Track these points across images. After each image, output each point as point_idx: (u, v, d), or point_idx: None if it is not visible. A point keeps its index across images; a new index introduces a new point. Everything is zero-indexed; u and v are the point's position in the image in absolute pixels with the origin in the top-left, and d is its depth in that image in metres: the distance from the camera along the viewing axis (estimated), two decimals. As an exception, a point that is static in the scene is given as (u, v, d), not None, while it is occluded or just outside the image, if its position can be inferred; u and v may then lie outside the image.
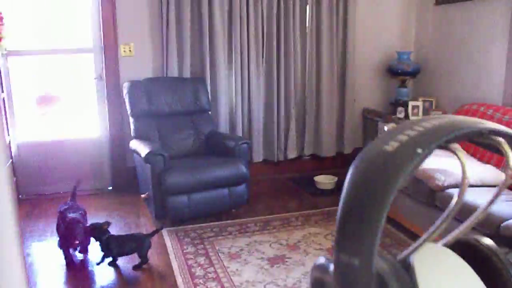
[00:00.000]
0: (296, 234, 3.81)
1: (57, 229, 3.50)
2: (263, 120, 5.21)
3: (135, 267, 3.33)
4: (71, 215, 3.38)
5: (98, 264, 3.39)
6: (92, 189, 4.96)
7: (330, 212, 4.26)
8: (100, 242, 3.38)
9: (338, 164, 5.48)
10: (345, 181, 0.79)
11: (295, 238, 3.74)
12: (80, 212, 3.50)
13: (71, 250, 3.47)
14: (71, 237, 3.30)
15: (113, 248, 3.35)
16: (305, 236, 3.77)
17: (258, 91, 5.10)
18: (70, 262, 3.42)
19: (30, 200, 4.74)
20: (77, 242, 3.32)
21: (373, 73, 5.55)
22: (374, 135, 5.28)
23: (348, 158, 5.48)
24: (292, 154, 5.37)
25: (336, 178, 4.91)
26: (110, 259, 3.41)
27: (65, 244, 3.41)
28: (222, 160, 4.20)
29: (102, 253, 3.40)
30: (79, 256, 3.55)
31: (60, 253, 3.45)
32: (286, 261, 3.37)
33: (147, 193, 4.18)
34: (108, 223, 3.42)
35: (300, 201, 4.60)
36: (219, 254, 3.49)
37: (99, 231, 3.38)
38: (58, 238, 3.47)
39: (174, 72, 4.78)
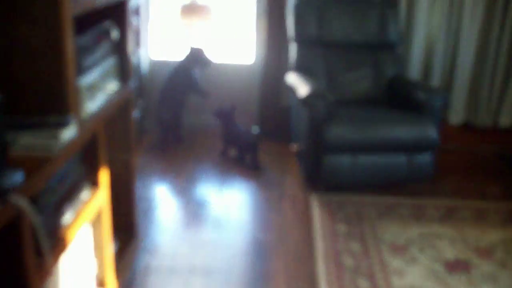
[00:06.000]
0: (492, 235, 3.47)
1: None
2: (471, 70, 4.78)
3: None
4: None
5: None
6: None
7: (548, 212, 3.81)
8: None
9: None
10: None
11: (489, 240, 3.41)
12: None
13: None
14: None
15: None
16: (504, 241, 3.41)
17: (471, 29, 4.67)
18: None
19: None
20: None
21: None
22: None
23: None
24: (505, 121, 4.90)
25: None
26: None
27: None
28: (405, 115, 3.99)
29: None
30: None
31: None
32: (471, 271, 3.08)
33: (299, 144, 4.11)
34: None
35: (507, 188, 4.18)
36: (380, 242, 3.32)
37: None
38: None
39: (358, -11, 4.57)
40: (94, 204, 2.32)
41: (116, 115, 2.68)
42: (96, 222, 2.45)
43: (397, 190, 4.03)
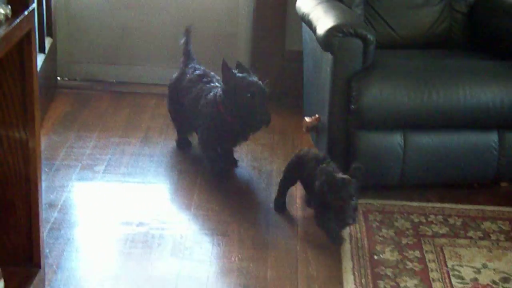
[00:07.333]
0: None
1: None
2: None
3: None
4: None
5: None
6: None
7: None
8: None
9: None
10: None
11: None
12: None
13: None
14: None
15: None
16: None
17: None
18: None
19: (76, 89, 5.05)
20: None
21: None
22: None
23: None
24: None
25: None
26: None
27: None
28: (500, 66, 3.99)
29: None
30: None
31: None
32: None
33: (316, 115, 4.08)
34: None
35: None
36: (452, 277, 3.29)
37: None
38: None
39: None
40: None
41: (4, 64, 2.56)
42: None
43: (483, 194, 4.01)
